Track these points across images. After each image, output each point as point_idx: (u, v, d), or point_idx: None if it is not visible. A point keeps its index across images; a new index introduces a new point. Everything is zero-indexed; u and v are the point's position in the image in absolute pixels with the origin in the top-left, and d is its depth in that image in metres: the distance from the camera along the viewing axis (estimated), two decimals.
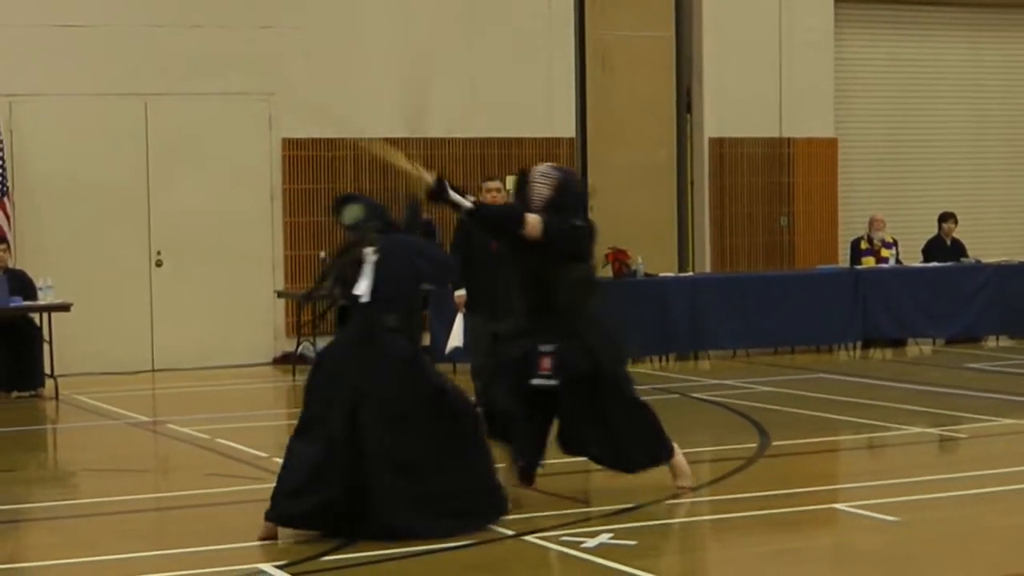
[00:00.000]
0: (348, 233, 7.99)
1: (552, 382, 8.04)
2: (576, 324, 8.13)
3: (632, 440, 8.17)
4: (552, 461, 9.77)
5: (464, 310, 12.50)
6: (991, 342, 17.06)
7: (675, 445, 8.31)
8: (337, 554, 7.19)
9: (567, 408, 8.16)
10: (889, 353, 16.46)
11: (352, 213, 7.92)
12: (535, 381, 8.02)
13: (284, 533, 8.22)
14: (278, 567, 6.91)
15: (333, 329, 8.09)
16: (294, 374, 15.17)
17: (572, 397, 8.08)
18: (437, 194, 8.01)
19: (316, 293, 8.44)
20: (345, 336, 7.67)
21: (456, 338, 12.61)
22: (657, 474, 9.17)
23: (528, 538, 7.46)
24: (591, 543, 7.26)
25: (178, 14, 15.51)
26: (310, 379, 7.66)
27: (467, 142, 16.67)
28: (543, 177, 8.21)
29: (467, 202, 8.13)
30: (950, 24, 19.55)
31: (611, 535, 7.40)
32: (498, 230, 8.54)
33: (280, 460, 9.58)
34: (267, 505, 7.45)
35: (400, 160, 7.84)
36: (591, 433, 8.20)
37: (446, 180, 8.04)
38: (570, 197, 8.20)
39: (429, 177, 8.01)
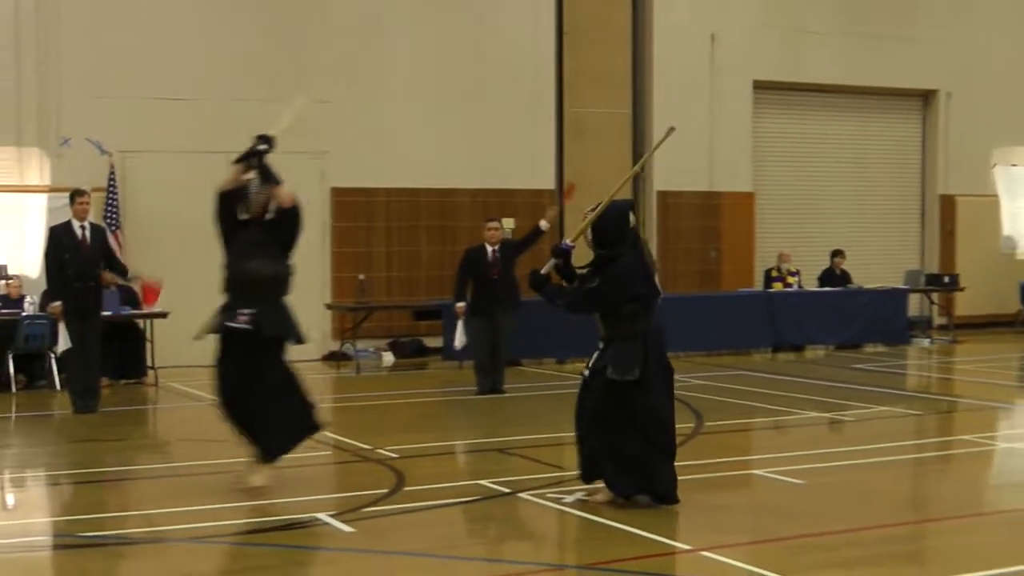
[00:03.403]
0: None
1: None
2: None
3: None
4: (530, 436, 9.85)
5: (463, 317, 12.55)
6: (869, 348, 17.08)
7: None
8: (376, 506, 7.21)
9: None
10: (792, 356, 16.47)
11: None
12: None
13: (337, 486, 8.28)
14: (331, 515, 6.90)
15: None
16: (338, 368, 15.22)
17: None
18: (561, 253, 7.10)
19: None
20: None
21: (459, 339, 12.66)
22: None
23: (521, 495, 7.47)
24: (569, 499, 7.27)
25: (252, 90, 15.45)
26: None
27: (472, 191, 16.68)
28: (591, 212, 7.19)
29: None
30: (843, 107, 19.61)
31: (584, 493, 7.38)
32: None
33: (332, 435, 9.61)
34: (320, 469, 7.38)
35: (587, 220, 7.06)
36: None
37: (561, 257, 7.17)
38: (610, 226, 7.03)
39: (570, 241, 7.15)
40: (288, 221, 7.95)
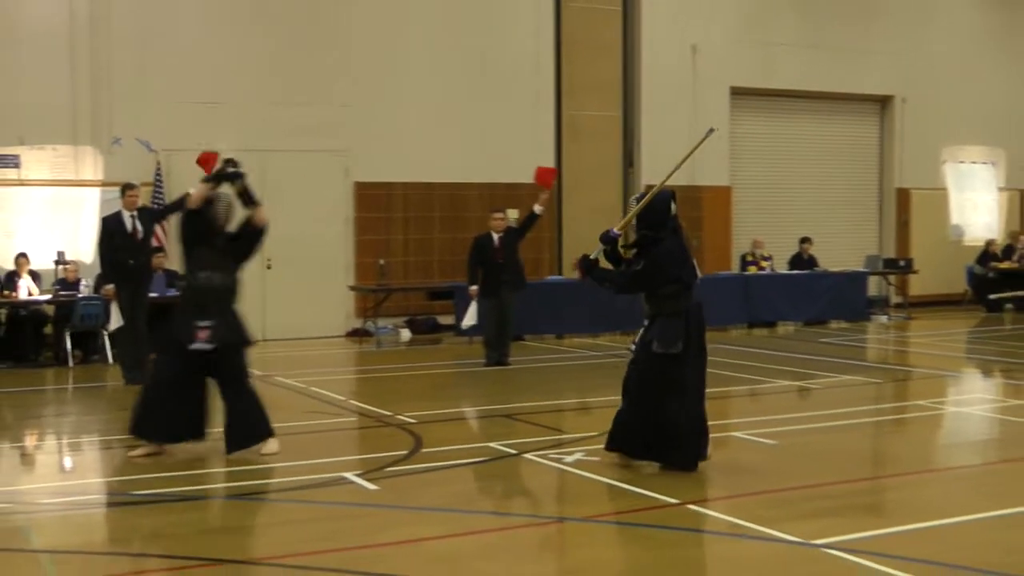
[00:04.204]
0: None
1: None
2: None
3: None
4: (533, 403, 9.84)
5: (476, 298, 12.54)
6: (834, 324, 17.07)
7: None
8: (397, 466, 7.19)
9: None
10: (766, 331, 16.47)
11: None
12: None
13: (361, 448, 8.26)
14: (357, 475, 6.89)
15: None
16: (360, 343, 15.20)
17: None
18: (609, 240, 6.90)
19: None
20: None
21: (471, 317, 12.65)
22: (606, 412, 9.13)
23: (526, 456, 7.47)
24: (569, 459, 7.27)
25: (284, 95, 15.50)
26: None
27: (479, 185, 16.62)
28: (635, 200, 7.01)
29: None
30: (809, 111, 19.58)
31: (583, 453, 7.39)
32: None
33: (355, 403, 9.58)
34: (346, 434, 7.39)
35: (633, 209, 6.86)
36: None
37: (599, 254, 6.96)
38: (655, 213, 6.82)
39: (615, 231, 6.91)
40: (251, 239, 7.81)
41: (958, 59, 20.58)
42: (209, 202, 7.60)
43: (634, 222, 6.88)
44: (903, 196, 20.42)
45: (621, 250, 7.09)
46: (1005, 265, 19.43)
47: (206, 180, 7.80)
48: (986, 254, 19.71)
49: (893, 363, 13.56)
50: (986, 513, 5.92)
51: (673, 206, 6.89)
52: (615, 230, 6.97)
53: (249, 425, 7.58)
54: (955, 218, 20.97)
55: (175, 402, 7.47)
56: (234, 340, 7.62)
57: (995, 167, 21.41)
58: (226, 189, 7.82)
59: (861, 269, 18.32)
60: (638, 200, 6.92)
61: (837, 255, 18.81)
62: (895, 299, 19.43)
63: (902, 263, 18.83)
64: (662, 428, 6.72)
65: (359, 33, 15.97)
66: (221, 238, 7.66)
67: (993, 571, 4.87)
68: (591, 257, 6.93)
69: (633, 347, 6.95)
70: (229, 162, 7.81)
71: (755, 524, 5.68)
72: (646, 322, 6.90)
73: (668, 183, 6.94)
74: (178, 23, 15.07)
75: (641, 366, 6.82)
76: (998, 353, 13.69)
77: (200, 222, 7.60)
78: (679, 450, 6.74)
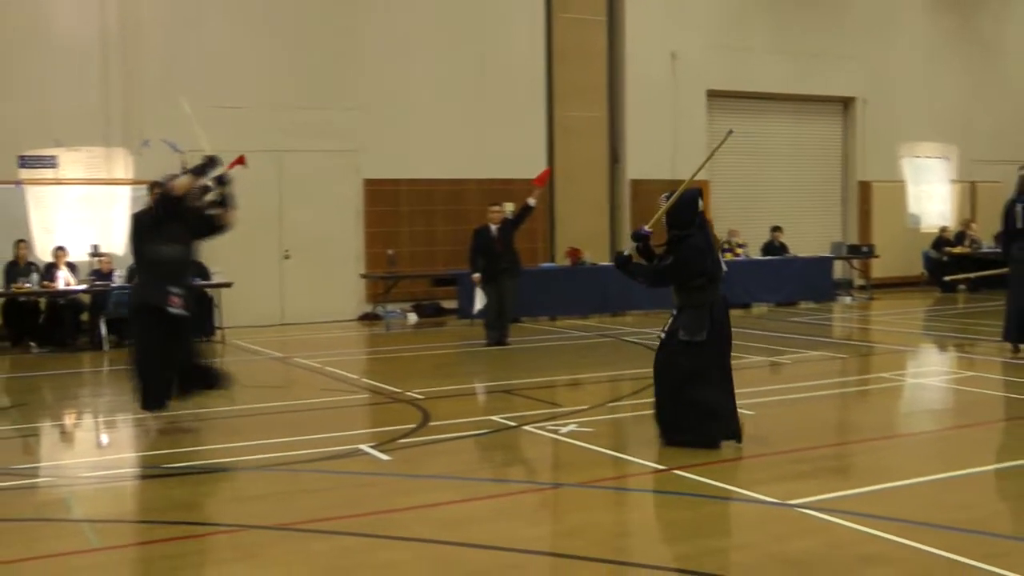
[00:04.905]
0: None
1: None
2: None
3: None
4: (530, 380, 9.81)
5: (479, 285, 12.51)
6: (803, 304, 17.08)
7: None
8: (407, 438, 7.16)
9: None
10: (741, 312, 16.43)
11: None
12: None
13: (374, 422, 8.24)
14: (370, 446, 6.88)
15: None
16: (371, 326, 15.18)
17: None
18: (641, 237, 6.84)
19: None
20: None
21: (480, 301, 12.62)
22: (598, 387, 9.13)
23: (525, 427, 7.45)
24: (564, 430, 7.26)
25: (298, 99, 15.44)
26: None
27: (478, 181, 16.57)
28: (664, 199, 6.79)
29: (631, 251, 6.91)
30: (780, 111, 19.53)
31: (576, 425, 7.38)
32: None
33: (368, 380, 9.54)
34: (359, 409, 7.33)
35: (663, 208, 6.69)
36: None
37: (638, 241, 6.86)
38: (684, 210, 6.68)
39: (648, 228, 6.85)
40: (214, 229, 7.94)
41: (914, 64, 20.66)
42: (192, 191, 7.74)
43: (664, 218, 6.70)
44: (865, 188, 20.42)
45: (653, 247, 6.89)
46: (958, 250, 19.54)
47: (191, 171, 7.87)
48: (940, 240, 19.78)
49: (857, 340, 13.56)
50: (940, 475, 5.94)
51: (700, 203, 6.72)
52: (646, 228, 6.84)
53: (201, 377, 7.77)
54: (912, 208, 21.01)
55: (162, 370, 7.57)
56: (193, 312, 7.80)
57: (948, 162, 21.44)
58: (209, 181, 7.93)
59: (827, 254, 18.32)
60: (667, 198, 6.74)
61: (805, 242, 18.80)
62: (858, 281, 19.45)
63: (864, 249, 18.88)
64: (686, 410, 6.59)
65: (369, 45, 15.92)
66: (192, 215, 7.73)
67: (946, 525, 4.90)
68: (625, 253, 6.83)
69: (662, 335, 6.81)
70: (212, 160, 7.75)
71: (735, 487, 5.68)
72: (674, 312, 6.74)
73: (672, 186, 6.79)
74: (201, 35, 15.01)
75: (668, 352, 6.69)
76: (952, 330, 13.70)
77: (177, 205, 7.66)
78: (700, 430, 6.55)
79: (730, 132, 7.20)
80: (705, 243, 6.67)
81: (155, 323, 7.49)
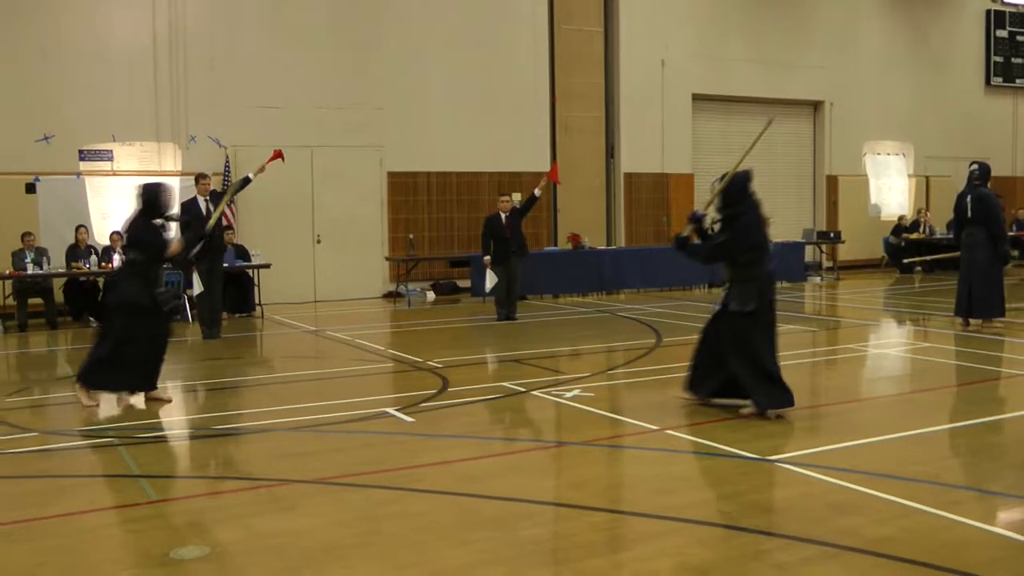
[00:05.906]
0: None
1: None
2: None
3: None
4: (537, 350, 9.76)
5: (490, 266, 12.44)
6: (777, 284, 16.93)
7: None
8: (428, 402, 7.12)
9: None
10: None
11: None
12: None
13: (398, 388, 8.20)
14: (396, 409, 6.84)
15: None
16: (394, 303, 15.14)
17: None
18: (696, 219, 6.63)
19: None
20: None
21: (491, 281, 12.56)
22: (596, 357, 9.06)
23: (533, 392, 7.40)
24: (568, 395, 7.21)
25: (329, 101, 15.37)
26: None
27: (490, 173, 16.50)
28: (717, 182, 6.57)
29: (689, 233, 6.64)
30: (756, 112, 19.32)
31: (580, 390, 7.34)
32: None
33: (392, 351, 9.48)
34: (384, 376, 7.29)
35: (716, 190, 6.49)
36: None
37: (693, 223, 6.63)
38: (736, 191, 6.43)
39: (701, 211, 6.64)
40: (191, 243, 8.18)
41: (874, 72, 20.63)
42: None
43: (717, 200, 6.49)
44: (832, 181, 20.34)
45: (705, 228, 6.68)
46: (914, 236, 19.46)
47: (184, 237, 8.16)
48: (898, 227, 19.72)
49: (826, 315, 13.48)
50: (902, 433, 5.89)
51: (750, 185, 6.49)
52: (701, 210, 6.67)
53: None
54: (874, 199, 20.94)
55: (148, 356, 7.36)
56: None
57: (904, 158, 21.39)
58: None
59: (799, 240, 18.19)
60: (720, 181, 6.55)
61: (780, 229, 18.69)
62: (827, 264, 19.36)
63: (832, 235, 18.78)
64: (735, 375, 6.40)
65: (392, 52, 15.83)
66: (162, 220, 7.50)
67: (907, 477, 4.88)
68: (683, 235, 6.61)
69: (716, 307, 6.63)
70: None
71: (720, 444, 5.63)
72: (727, 285, 6.54)
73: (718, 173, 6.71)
74: (243, 42, 14.93)
75: (720, 322, 6.53)
76: (910, 306, 13.63)
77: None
78: (761, 391, 6.28)
79: (771, 121, 7.00)
80: (756, 221, 6.46)
81: (150, 316, 7.34)
